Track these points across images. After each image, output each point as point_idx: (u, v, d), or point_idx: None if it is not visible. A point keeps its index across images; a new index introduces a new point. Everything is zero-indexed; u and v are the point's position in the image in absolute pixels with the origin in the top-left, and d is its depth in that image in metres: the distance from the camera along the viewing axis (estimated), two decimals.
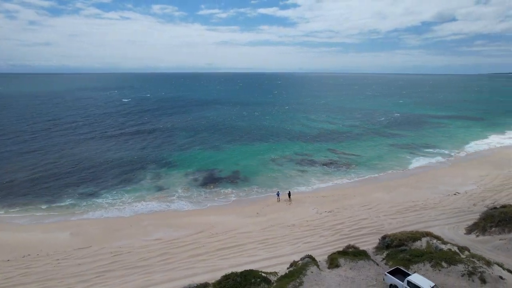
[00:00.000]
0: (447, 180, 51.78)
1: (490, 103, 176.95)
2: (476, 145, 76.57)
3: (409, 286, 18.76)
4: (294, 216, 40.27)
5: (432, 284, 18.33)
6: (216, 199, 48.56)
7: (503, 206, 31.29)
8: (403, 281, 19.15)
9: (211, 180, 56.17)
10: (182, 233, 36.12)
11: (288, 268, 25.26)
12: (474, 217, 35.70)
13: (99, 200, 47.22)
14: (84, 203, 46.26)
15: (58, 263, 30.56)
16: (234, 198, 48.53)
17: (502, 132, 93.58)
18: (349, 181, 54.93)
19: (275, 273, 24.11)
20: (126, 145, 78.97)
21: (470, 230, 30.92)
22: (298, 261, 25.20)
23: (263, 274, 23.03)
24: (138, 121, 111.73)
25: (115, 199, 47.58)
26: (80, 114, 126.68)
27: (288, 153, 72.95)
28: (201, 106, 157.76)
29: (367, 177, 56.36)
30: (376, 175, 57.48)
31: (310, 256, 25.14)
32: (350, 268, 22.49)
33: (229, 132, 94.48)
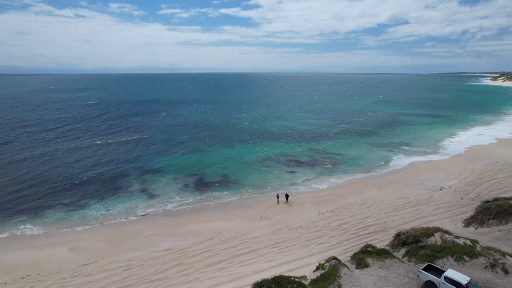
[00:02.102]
0: (431, 176, 55.08)
1: (447, 101, 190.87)
2: (448, 142, 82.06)
3: (447, 282, 19.80)
4: (298, 217, 40.84)
5: (469, 279, 19.52)
6: (214, 203, 47.97)
7: (496, 199, 34.05)
8: (439, 277, 20.23)
9: (202, 185, 55.45)
10: (190, 241, 35.29)
11: (314, 271, 25.76)
12: (465, 210, 38.54)
13: (91, 212, 44.65)
14: (75, 216, 43.47)
15: (66, 282, 28.62)
16: (234, 201, 48.25)
17: (465, 128, 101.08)
18: (340, 180, 56.50)
19: (304, 277, 24.44)
20: (109, 152, 75.05)
21: (468, 223, 33.26)
22: (325, 263, 25.76)
23: (296, 279, 23.27)
24: (118, 127, 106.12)
25: (108, 210, 45.27)
26: (52, 119, 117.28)
27: (273, 154, 73.76)
28: (176, 108, 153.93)
29: (356, 176, 58.37)
30: (365, 173, 59.72)
31: (335, 258, 25.78)
32: (380, 267, 23.39)
33: (210, 135, 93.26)
